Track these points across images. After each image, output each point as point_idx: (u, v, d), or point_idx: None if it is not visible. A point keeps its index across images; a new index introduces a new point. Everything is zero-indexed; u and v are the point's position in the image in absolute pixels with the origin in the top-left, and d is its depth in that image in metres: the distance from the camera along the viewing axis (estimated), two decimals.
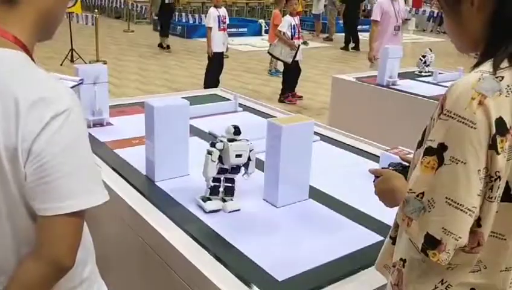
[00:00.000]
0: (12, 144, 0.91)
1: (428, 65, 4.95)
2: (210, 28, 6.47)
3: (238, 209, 1.84)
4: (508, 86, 0.94)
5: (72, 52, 8.71)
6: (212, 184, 1.81)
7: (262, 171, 1.96)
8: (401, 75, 4.62)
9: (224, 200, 1.83)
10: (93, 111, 2.76)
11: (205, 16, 13.28)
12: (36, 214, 0.97)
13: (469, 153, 0.93)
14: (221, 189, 1.84)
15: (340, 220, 1.82)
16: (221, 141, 1.75)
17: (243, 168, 1.82)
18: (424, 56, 4.98)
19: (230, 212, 1.81)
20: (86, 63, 8.59)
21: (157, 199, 1.91)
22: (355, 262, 1.54)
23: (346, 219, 1.82)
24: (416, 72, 4.99)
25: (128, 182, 2.06)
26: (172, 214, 1.79)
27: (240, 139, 1.77)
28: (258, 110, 3.28)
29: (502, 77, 0.95)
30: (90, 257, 1.19)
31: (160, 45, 11.18)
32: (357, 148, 2.62)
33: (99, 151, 2.36)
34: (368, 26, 16.58)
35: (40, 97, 0.92)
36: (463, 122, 0.93)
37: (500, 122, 0.93)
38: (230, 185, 1.83)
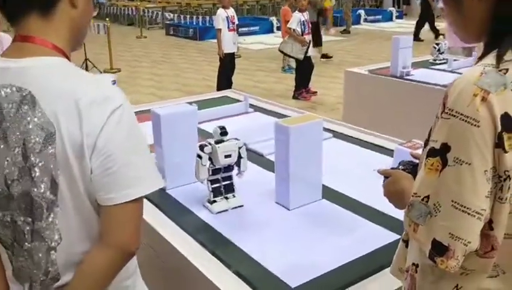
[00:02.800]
0: (78, 141, 0.98)
1: (442, 52, 4.84)
2: (219, 30, 6.44)
3: (242, 205, 1.86)
4: None
5: (86, 62, 8.80)
6: (212, 186, 1.83)
7: (274, 173, 1.92)
8: (415, 65, 4.52)
9: (226, 198, 1.85)
10: None
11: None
12: (98, 207, 1.03)
13: (473, 153, 0.87)
14: (222, 189, 1.85)
15: (355, 219, 1.78)
16: (209, 144, 1.77)
17: (236, 168, 1.84)
18: (437, 44, 4.88)
19: (234, 208, 1.84)
20: (100, 72, 8.67)
21: (167, 207, 1.89)
22: (374, 262, 1.49)
23: (361, 218, 1.78)
24: (430, 61, 4.88)
25: None
26: (183, 222, 1.77)
27: (228, 140, 1.79)
28: (270, 110, 3.24)
29: (507, 70, 0.89)
30: None
31: (325, 56, 9.74)
32: (372, 144, 2.56)
33: None
34: (380, 17, 16.62)
35: (97, 96, 1.00)
36: (466, 121, 0.87)
37: (506, 118, 0.87)
38: (228, 182, 1.86)
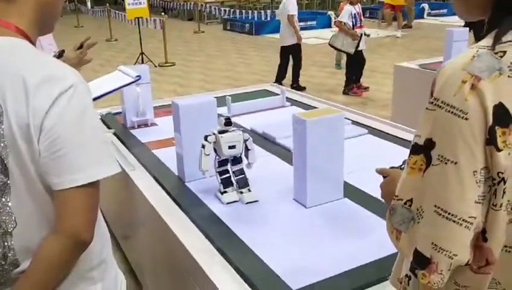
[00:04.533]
0: (24, 121, 0.94)
1: None
2: (293, 16, 6.33)
3: (256, 201, 1.80)
4: None
5: (142, 56, 9.01)
6: (221, 177, 1.79)
7: None
8: None
9: (241, 193, 1.80)
10: (137, 112, 2.77)
11: (272, 12, 13.24)
12: (52, 190, 0.99)
13: (460, 150, 0.74)
14: (233, 181, 1.82)
15: (374, 221, 1.66)
16: (213, 134, 1.73)
17: (245, 159, 1.80)
18: None
19: (248, 203, 1.78)
20: (155, 65, 8.87)
21: (183, 200, 1.86)
22: (384, 269, 1.37)
23: (381, 220, 1.65)
24: None
25: (159, 183, 2.03)
26: (196, 216, 1.72)
27: (233, 130, 1.74)
28: (307, 104, 3.15)
29: (504, 52, 0.75)
30: (106, 242, 1.19)
31: None
32: (408, 141, 2.40)
33: (137, 152, 2.36)
34: (445, 10, 15.86)
35: (46, 76, 0.96)
36: (452, 112, 0.74)
37: (500, 109, 0.73)
38: (241, 176, 1.81)
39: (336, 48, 6.33)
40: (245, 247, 1.52)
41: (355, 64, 6.41)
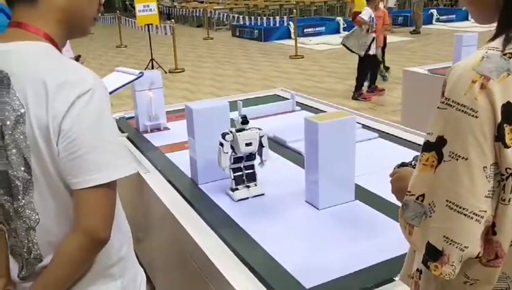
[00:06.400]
0: (44, 123, 0.99)
1: None
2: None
3: (263, 194, 1.89)
4: None
5: (152, 62, 9.11)
6: (234, 175, 1.87)
7: None
8: None
9: (248, 187, 1.88)
10: (150, 116, 2.82)
11: (280, 18, 13.31)
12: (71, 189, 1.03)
13: (471, 146, 0.77)
14: (244, 177, 1.90)
15: (386, 222, 1.68)
16: (230, 132, 1.82)
17: (258, 157, 1.88)
18: None
19: (254, 196, 1.88)
20: (165, 72, 8.95)
21: (197, 202, 1.89)
22: (394, 269, 1.40)
23: (393, 221, 1.67)
24: None
25: (173, 185, 2.06)
26: (210, 217, 1.76)
27: (249, 128, 1.83)
28: (317, 109, 3.18)
29: None
30: (126, 240, 1.23)
31: None
32: (419, 145, 2.43)
33: (150, 156, 2.40)
34: (454, 16, 15.84)
35: (66, 79, 1.00)
36: (462, 111, 0.77)
37: (508, 108, 0.76)
38: (251, 171, 1.89)
39: (347, 48, 6.37)
40: (259, 247, 1.55)
41: (365, 70, 6.44)
